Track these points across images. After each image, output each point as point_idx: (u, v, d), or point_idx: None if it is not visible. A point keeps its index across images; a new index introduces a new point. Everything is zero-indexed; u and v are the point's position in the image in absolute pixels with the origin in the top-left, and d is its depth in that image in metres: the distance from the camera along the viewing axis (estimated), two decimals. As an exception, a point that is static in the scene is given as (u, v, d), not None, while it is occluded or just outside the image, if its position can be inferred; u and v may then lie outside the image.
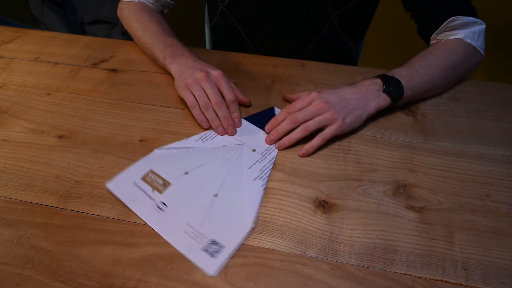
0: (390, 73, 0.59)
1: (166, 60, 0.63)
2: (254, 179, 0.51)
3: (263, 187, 0.50)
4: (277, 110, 0.62)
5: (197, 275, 0.41)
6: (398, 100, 0.58)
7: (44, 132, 0.57)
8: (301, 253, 0.43)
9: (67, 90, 0.65)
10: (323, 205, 0.48)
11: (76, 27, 1.30)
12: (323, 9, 0.73)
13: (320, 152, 0.55)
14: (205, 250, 0.43)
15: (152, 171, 0.51)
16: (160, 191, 0.48)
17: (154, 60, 0.69)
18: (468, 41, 0.63)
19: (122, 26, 1.27)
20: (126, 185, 0.49)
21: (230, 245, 0.43)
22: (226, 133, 0.57)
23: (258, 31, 0.79)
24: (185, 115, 0.61)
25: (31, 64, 0.71)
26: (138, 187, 0.49)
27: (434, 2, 0.63)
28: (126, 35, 1.28)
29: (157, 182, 0.49)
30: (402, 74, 0.58)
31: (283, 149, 0.55)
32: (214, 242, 0.43)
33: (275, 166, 0.53)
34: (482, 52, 0.64)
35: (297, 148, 0.55)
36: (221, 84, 0.57)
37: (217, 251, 0.43)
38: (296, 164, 0.53)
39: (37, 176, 0.51)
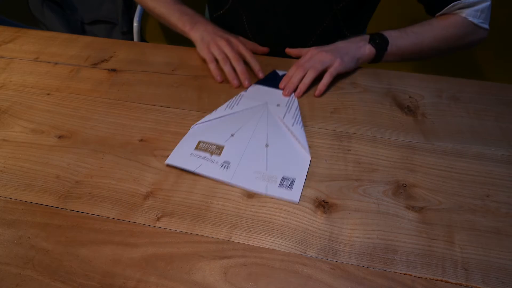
0: (380, 32, 0.68)
1: (185, 27, 0.70)
2: (292, 125, 0.58)
3: (302, 128, 0.58)
4: (279, 72, 0.69)
5: (197, 275, 0.41)
6: (383, 52, 0.66)
7: (44, 132, 0.57)
8: (301, 253, 0.43)
9: (67, 90, 0.65)
10: (323, 205, 0.48)
11: (76, 27, 1.30)
12: (326, 5, 0.73)
13: (320, 152, 0.55)
14: (281, 185, 0.49)
15: (201, 141, 0.55)
16: (218, 154, 0.53)
17: (171, 27, 0.75)
18: (470, 19, 0.66)
19: (122, 26, 1.27)
20: (184, 157, 0.53)
21: (300, 177, 0.51)
22: (239, 85, 0.65)
23: (261, 24, 0.79)
24: (185, 115, 0.61)
25: (31, 64, 0.71)
26: (197, 156, 0.53)
27: None
28: (126, 35, 1.28)
29: (211, 148, 0.54)
30: (391, 33, 0.67)
31: (301, 96, 0.64)
32: (285, 178, 0.50)
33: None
34: (485, 26, 0.68)
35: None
36: (240, 47, 0.67)
37: (291, 184, 0.50)
38: (296, 164, 0.53)
39: (37, 176, 0.51)
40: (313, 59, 0.65)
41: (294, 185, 0.49)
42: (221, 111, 0.60)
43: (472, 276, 0.41)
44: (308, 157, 0.53)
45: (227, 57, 0.65)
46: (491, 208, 0.48)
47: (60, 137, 0.57)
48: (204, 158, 0.53)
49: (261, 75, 0.67)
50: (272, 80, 0.67)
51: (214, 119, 0.59)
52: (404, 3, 0.75)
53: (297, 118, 0.59)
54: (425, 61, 1.39)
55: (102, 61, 0.72)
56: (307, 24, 0.77)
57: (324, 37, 0.78)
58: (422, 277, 0.41)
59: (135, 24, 1.21)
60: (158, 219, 0.46)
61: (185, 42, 0.72)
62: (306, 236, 0.45)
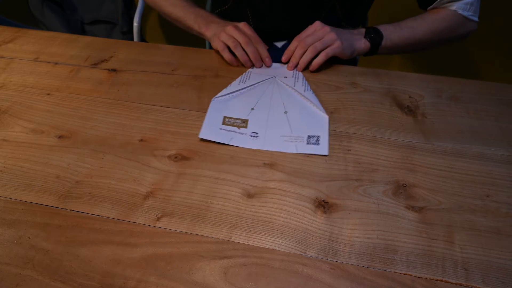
0: (376, 26, 0.70)
1: (201, 28, 0.74)
2: (304, 91, 0.63)
3: (313, 93, 0.64)
4: (278, 44, 0.76)
5: (197, 275, 0.41)
6: (377, 46, 0.69)
7: (44, 132, 0.57)
8: (301, 253, 0.43)
9: (67, 90, 0.65)
10: (323, 205, 0.48)
11: (76, 27, 1.30)
12: None
13: (320, 152, 0.55)
14: (309, 143, 0.55)
15: (226, 117, 0.59)
16: (244, 127, 0.58)
17: (187, 30, 0.79)
18: (460, 12, 0.70)
19: (122, 26, 1.27)
20: (215, 131, 0.57)
21: (323, 133, 0.57)
22: (253, 65, 0.69)
23: (262, 17, 0.81)
24: (185, 115, 0.61)
25: (31, 64, 0.71)
26: (226, 130, 0.57)
27: None
28: (126, 35, 1.28)
29: (237, 122, 0.58)
30: (386, 27, 0.70)
31: (301, 70, 0.68)
32: (310, 136, 0.56)
33: (275, 166, 0.53)
34: (474, 18, 0.71)
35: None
36: (247, 30, 0.69)
37: (317, 140, 0.55)
38: (296, 164, 0.53)
39: (37, 176, 0.51)
40: (315, 34, 0.67)
41: (320, 141, 0.55)
42: (235, 85, 0.65)
43: (472, 276, 0.41)
44: (325, 116, 0.59)
45: (237, 42, 0.68)
46: (491, 208, 0.48)
47: (60, 137, 0.57)
48: (233, 131, 0.57)
49: (268, 62, 0.69)
50: (272, 54, 0.70)
51: (232, 93, 0.63)
52: (401, 14, 0.75)
53: (306, 85, 0.65)
54: (425, 60, 1.39)
55: (102, 61, 0.72)
56: (306, 16, 0.77)
57: None
58: (422, 277, 0.41)
59: (135, 24, 1.21)
60: (158, 219, 0.46)
61: (185, 42, 0.72)
62: (306, 236, 0.45)
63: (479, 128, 0.59)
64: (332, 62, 0.72)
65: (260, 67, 0.69)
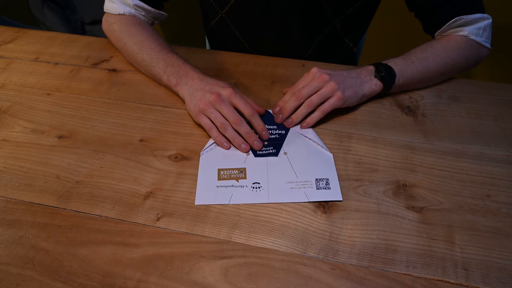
0: (384, 61, 0.62)
1: (170, 82, 0.60)
2: (301, 128, 0.58)
3: (311, 129, 0.58)
4: (271, 111, 0.61)
5: (197, 275, 0.41)
6: (390, 86, 0.61)
7: (44, 132, 0.57)
8: (301, 253, 0.43)
9: (67, 90, 0.65)
10: (323, 205, 0.48)
11: (76, 27, 1.30)
12: (323, 16, 0.72)
13: (320, 152, 0.55)
14: (319, 188, 0.49)
15: (221, 170, 0.52)
16: (243, 177, 0.51)
17: (153, 78, 0.66)
18: (472, 37, 0.63)
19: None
20: (212, 191, 0.49)
21: (331, 174, 0.51)
22: (250, 149, 0.55)
23: (257, 36, 0.79)
24: (185, 115, 0.61)
25: (31, 64, 0.71)
26: (224, 186, 0.50)
27: (437, 3, 0.63)
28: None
29: (234, 173, 0.51)
30: (397, 63, 0.62)
31: (292, 126, 0.58)
32: (319, 180, 0.50)
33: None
34: (487, 45, 0.64)
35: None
36: (236, 101, 0.55)
37: (327, 183, 0.50)
38: (296, 164, 0.53)
39: (37, 176, 0.51)
40: (312, 84, 0.57)
41: (331, 184, 0.50)
42: None
43: (472, 276, 0.41)
44: (329, 154, 0.54)
45: (226, 122, 0.54)
46: (491, 208, 0.48)
47: (60, 137, 0.57)
48: (232, 186, 0.50)
49: (265, 136, 0.56)
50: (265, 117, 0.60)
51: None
52: (401, 15, 0.74)
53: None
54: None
55: (102, 61, 0.72)
56: (305, 34, 0.76)
57: (323, 45, 0.78)
58: (422, 277, 0.41)
59: (135, 24, 1.20)
60: (158, 219, 0.46)
61: (185, 42, 0.72)
62: (306, 236, 0.45)
63: (479, 128, 0.59)
64: (332, 61, 0.73)
65: (260, 148, 0.55)
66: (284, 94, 0.63)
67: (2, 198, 0.49)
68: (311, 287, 0.40)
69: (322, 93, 0.57)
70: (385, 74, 0.60)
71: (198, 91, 0.57)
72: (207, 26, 0.85)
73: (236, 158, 0.54)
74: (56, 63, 0.72)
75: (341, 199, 0.48)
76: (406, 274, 0.41)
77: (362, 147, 0.56)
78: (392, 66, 0.61)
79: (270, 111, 0.61)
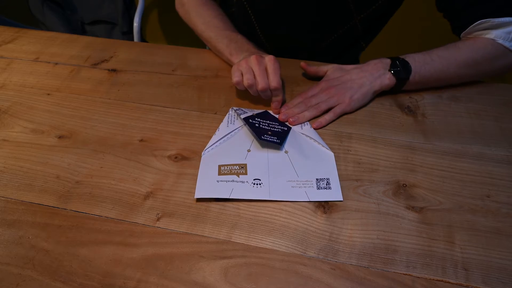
0: (402, 56, 0.61)
1: (232, 56, 0.66)
2: (302, 127, 0.58)
3: (311, 127, 0.58)
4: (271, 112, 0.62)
5: (197, 275, 0.41)
6: (404, 82, 0.60)
7: (44, 132, 0.57)
8: (301, 253, 0.43)
9: (67, 90, 0.65)
10: (323, 205, 0.48)
11: (76, 27, 1.30)
12: (346, 11, 0.71)
13: (320, 152, 0.55)
14: (319, 188, 0.49)
15: (221, 165, 0.52)
16: (244, 173, 0.51)
17: (217, 53, 0.71)
18: (500, 41, 0.60)
19: (122, 26, 1.27)
20: (212, 186, 0.49)
21: (332, 174, 0.51)
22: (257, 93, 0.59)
23: (273, 26, 0.78)
24: (185, 115, 0.61)
25: (31, 64, 0.71)
26: (224, 181, 0.50)
27: (466, 4, 0.61)
28: (126, 35, 1.28)
29: (235, 169, 0.51)
30: (415, 58, 0.60)
31: (294, 125, 0.59)
32: (319, 180, 0.50)
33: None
34: None
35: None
36: (270, 69, 0.58)
37: (327, 183, 0.50)
38: (296, 164, 0.53)
39: (37, 176, 0.51)
40: (320, 96, 0.60)
41: (331, 184, 0.50)
42: (224, 129, 0.57)
43: (472, 276, 0.41)
44: (330, 153, 0.54)
45: (253, 79, 0.58)
46: (491, 208, 0.48)
47: (60, 137, 0.57)
48: (233, 181, 0.50)
49: (275, 106, 0.60)
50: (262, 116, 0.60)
51: (221, 139, 0.56)
52: (404, 16, 0.73)
53: (304, 124, 0.59)
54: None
55: (102, 61, 0.72)
56: (323, 29, 0.75)
57: (338, 43, 0.77)
58: (422, 277, 0.41)
59: (135, 24, 1.21)
60: (158, 219, 0.46)
61: (185, 42, 0.72)
62: (306, 236, 0.45)
63: (479, 128, 0.59)
64: (340, 61, 0.72)
65: (267, 97, 0.60)
66: (302, 67, 0.66)
67: (2, 198, 0.49)
68: (311, 287, 0.40)
69: (330, 101, 0.60)
70: (400, 69, 0.60)
71: (246, 53, 0.63)
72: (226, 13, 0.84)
73: (237, 154, 0.54)
74: (56, 63, 0.72)
75: (341, 199, 0.48)
76: (406, 274, 0.41)
77: (362, 147, 0.56)
78: (410, 62, 0.60)
79: (271, 112, 0.61)
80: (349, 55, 0.82)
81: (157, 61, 0.72)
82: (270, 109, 0.62)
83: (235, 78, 0.58)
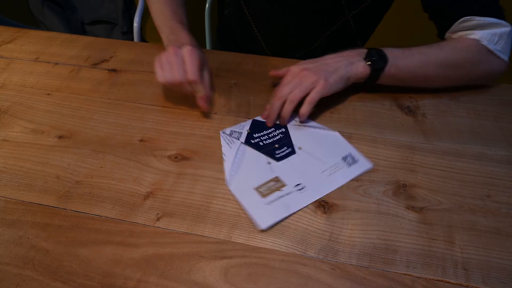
0: (381, 48, 0.59)
1: (168, 47, 0.61)
2: (296, 120, 0.59)
3: (318, 125, 0.59)
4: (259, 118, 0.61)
5: (197, 275, 0.41)
6: (379, 73, 0.58)
7: (44, 132, 0.57)
8: (301, 253, 0.43)
9: (67, 90, 0.65)
10: (323, 205, 0.48)
11: (76, 27, 1.30)
12: (338, 8, 0.71)
13: (320, 152, 0.55)
14: (350, 164, 0.52)
15: (257, 188, 0.49)
16: (283, 185, 0.50)
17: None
18: (484, 43, 0.58)
19: (122, 26, 1.27)
20: (268, 210, 0.47)
21: (349, 148, 0.54)
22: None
23: (268, 22, 0.78)
24: (185, 115, 0.61)
25: (31, 64, 0.71)
26: (274, 200, 0.48)
27: (450, 3, 0.59)
28: (126, 35, 1.29)
29: (272, 185, 0.50)
30: (394, 51, 0.58)
31: (287, 123, 0.58)
32: (344, 157, 0.53)
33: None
34: (503, 56, 0.59)
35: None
36: (186, 61, 0.55)
37: (352, 158, 0.53)
38: (296, 164, 0.53)
39: (37, 176, 0.51)
40: (292, 82, 0.56)
41: (355, 157, 0.53)
42: (229, 151, 0.54)
43: (472, 276, 0.41)
44: (335, 133, 0.56)
45: (169, 76, 0.55)
46: (491, 208, 0.48)
47: (60, 137, 0.57)
48: (280, 197, 0.48)
49: (203, 105, 0.57)
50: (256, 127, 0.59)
51: (235, 161, 0.53)
52: (402, 16, 0.73)
53: (296, 117, 0.59)
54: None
55: (102, 61, 0.72)
56: (316, 26, 0.75)
57: (333, 40, 0.77)
58: (422, 277, 0.41)
59: (135, 24, 1.21)
60: (158, 219, 0.46)
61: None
62: (306, 236, 0.45)
63: (479, 128, 0.59)
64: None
65: (190, 94, 0.57)
66: (270, 75, 0.63)
67: (2, 198, 0.48)
68: (311, 287, 0.40)
69: (303, 86, 0.55)
70: (376, 59, 0.57)
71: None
72: (222, 13, 0.84)
73: (261, 171, 0.52)
74: (56, 63, 0.72)
75: (373, 165, 0.52)
76: (406, 274, 0.41)
77: (362, 147, 0.56)
78: (387, 53, 0.57)
79: (258, 118, 0.60)
80: None
81: (157, 61, 0.72)
82: (254, 116, 0.60)
83: (157, 76, 0.56)
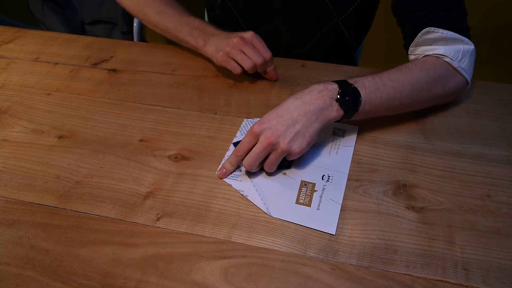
0: (351, 80, 0.52)
1: (198, 43, 0.65)
2: None
3: None
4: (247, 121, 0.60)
5: (197, 275, 0.41)
6: (351, 114, 0.51)
7: (44, 132, 0.57)
8: (301, 253, 0.43)
9: (67, 90, 0.65)
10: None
11: (76, 27, 1.30)
12: (326, 14, 0.71)
13: (320, 152, 0.55)
14: (341, 136, 0.56)
15: (297, 202, 0.48)
16: (314, 184, 0.50)
17: (179, 42, 0.69)
18: (448, 59, 0.55)
19: (122, 26, 1.27)
20: (322, 216, 0.46)
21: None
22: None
23: (258, 24, 0.78)
24: (185, 115, 0.61)
25: (31, 64, 0.71)
26: (320, 205, 0.48)
27: (416, 5, 0.56)
28: (126, 35, 1.28)
29: (308, 192, 0.49)
30: (365, 84, 0.52)
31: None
32: (334, 132, 0.57)
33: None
34: (466, 76, 0.57)
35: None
36: (257, 44, 0.62)
37: (339, 130, 0.58)
38: (296, 164, 0.53)
39: (37, 176, 0.51)
40: (257, 154, 0.48)
41: (341, 128, 0.58)
42: (247, 184, 0.51)
43: (472, 276, 0.41)
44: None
45: (252, 62, 0.61)
46: (491, 208, 0.48)
47: (60, 137, 0.57)
48: (321, 196, 0.49)
49: (273, 74, 0.65)
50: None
51: (259, 193, 0.49)
52: None
53: None
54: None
55: (102, 61, 0.72)
56: (307, 27, 0.76)
57: (324, 41, 0.77)
58: (422, 277, 0.41)
59: (135, 24, 1.21)
60: (158, 219, 0.46)
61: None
62: (306, 236, 0.45)
63: (479, 128, 0.59)
64: (332, 61, 0.72)
65: (263, 70, 0.64)
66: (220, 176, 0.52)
67: (2, 198, 0.48)
68: (311, 287, 0.40)
69: (275, 161, 0.49)
70: (349, 99, 0.50)
71: (223, 40, 0.62)
72: (210, 16, 0.84)
73: (287, 185, 0.50)
74: (56, 63, 0.72)
75: (357, 127, 0.57)
76: (406, 274, 0.41)
77: (362, 147, 0.56)
78: (360, 89, 0.51)
79: (236, 139, 0.56)
80: (339, 54, 0.82)
81: (157, 61, 0.72)
82: (254, 116, 0.57)
83: (236, 70, 0.61)
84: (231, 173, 0.52)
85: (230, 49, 0.61)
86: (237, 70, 0.61)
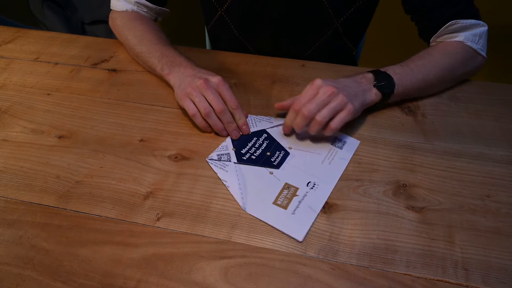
0: (383, 69, 0.59)
1: (164, 71, 0.62)
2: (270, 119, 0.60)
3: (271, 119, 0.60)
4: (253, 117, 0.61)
5: (197, 275, 0.41)
6: (389, 96, 0.58)
7: (44, 132, 0.57)
8: (301, 253, 0.43)
9: (67, 90, 0.65)
10: (323, 205, 0.48)
11: (76, 27, 1.30)
12: (325, 17, 0.72)
13: (320, 152, 0.55)
14: (340, 147, 0.55)
15: (275, 203, 0.48)
16: (296, 188, 0.50)
17: (149, 70, 0.68)
18: (469, 43, 0.62)
19: (122, 26, 1.27)
20: (296, 220, 0.46)
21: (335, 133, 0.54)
22: (228, 135, 0.57)
23: (257, 36, 0.78)
24: (185, 115, 0.61)
25: (31, 64, 0.71)
26: (297, 207, 0.47)
27: (434, 5, 0.62)
28: (126, 35, 1.28)
29: (286, 194, 0.49)
30: (396, 71, 0.59)
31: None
32: (335, 141, 0.56)
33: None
34: (483, 53, 0.64)
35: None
36: (223, 91, 0.56)
37: (340, 141, 0.56)
38: (296, 164, 0.53)
39: (37, 176, 0.51)
40: (321, 98, 0.52)
41: (342, 139, 0.57)
42: (231, 174, 0.52)
43: (472, 276, 0.41)
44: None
45: (210, 108, 0.55)
46: (491, 208, 0.48)
47: (60, 137, 0.57)
48: (300, 201, 0.48)
49: (245, 131, 0.57)
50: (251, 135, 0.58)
51: (240, 185, 0.50)
52: (401, 16, 0.73)
53: (271, 119, 0.60)
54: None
55: (102, 61, 0.72)
56: (306, 36, 0.76)
57: (324, 48, 0.77)
58: (422, 277, 0.41)
59: (135, 24, 1.21)
60: (158, 219, 0.46)
61: (185, 42, 0.72)
62: (306, 236, 0.45)
63: (479, 128, 0.59)
64: (332, 62, 0.73)
65: (237, 138, 0.56)
66: (278, 108, 0.58)
67: (2, 198, 0.49)
68: (311, 287, 0.40)
69: (333, 108, 0.51)
70: (385, 84, 0.57)
71: (188, 77, 0.58)
72: (208, 25, 0.84)
73: (270, 184, 0.50)
74: (56, 63, 0.72)
75: (359, 142, 0.56)
76: (406, 274, 0.41)
77: (362, 147, 0.56)
78: (392, 75, 0.58)
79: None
80: (338, 57, 0.82)
81: (157, 61, 0.72)
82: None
83: (191, 110, 0.55)
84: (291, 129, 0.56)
85: (190, 90, 0.55)
86: (191, 111, 0.55)
